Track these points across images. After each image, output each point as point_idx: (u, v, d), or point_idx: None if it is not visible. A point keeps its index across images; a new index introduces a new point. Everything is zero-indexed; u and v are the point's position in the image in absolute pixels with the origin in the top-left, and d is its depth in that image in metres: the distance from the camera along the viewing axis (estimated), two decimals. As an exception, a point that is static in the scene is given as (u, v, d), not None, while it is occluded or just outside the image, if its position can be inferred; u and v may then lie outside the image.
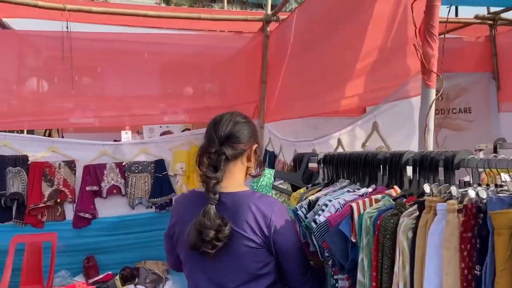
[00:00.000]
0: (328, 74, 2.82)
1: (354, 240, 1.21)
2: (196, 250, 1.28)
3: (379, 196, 1.27)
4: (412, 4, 1.69)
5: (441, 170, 1.20)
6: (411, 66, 1.86)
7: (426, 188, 1.08)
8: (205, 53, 4.69)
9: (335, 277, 1.30)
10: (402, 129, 2.03)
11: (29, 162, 3.92)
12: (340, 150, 2.50)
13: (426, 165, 1.21)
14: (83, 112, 4.45)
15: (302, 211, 1.49)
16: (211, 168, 1.34)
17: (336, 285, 1.30)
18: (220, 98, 4.85)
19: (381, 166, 1.41)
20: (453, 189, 1.01)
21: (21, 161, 3.90)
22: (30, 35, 4.29)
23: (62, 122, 4.65)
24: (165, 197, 4.30)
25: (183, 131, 6.44)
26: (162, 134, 6.43)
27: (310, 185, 1.86)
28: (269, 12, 4.55)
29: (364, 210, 1.21)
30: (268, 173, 1.93)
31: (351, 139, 2.51)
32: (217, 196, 1.31)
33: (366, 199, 1.25)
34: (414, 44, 1.66)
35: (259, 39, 4.56)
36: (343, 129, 2.55)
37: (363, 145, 2.29)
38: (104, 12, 4.22)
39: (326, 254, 1.30)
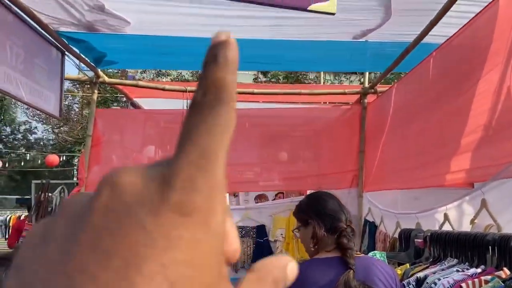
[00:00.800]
0: (430, 148, 2.87)
1: (466, 321, 1.25)
2: None
3: (488, 277, 1.30)
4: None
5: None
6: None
7: (539, 274, 1.12)
8: (303, 124, 5.00)
9: None
10: (508, 211, 2.00)
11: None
12: (447, 225, 2.49)
13: (538, 250, 1.24)
14: None
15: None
16: (347, 239, 1.58)
17: None
18: (317, 167, 5.03)
19: (490, 247, 1.44)
20: None
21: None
22: (154, 113, 5.01)
23: None
24: (265, 263, 4.47)
25: (276, 195, 6.70)
26: (257, 197, 6.73)
27: (410, 262, 1.90)
28: (367, 84, 4.78)
29: (475, 291, 1.26)
30: (380, 256, 2.02)
31: (458, 214, 2.48)
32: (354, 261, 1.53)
33: (476, 280, 1.29)
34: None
35: (357, 110, 4.75)
36: (449, 204, 2.54)
37: (472, 221, 2.26)
38: (217, 92, 4.80)
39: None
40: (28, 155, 21.32)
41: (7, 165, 19.50)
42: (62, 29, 3.36)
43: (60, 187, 5.37)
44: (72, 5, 2.86)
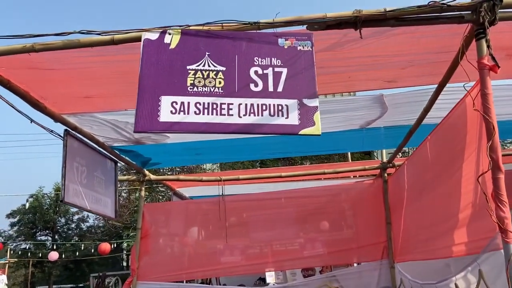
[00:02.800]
0: (438, 222, 3.18)
1: None
2: None
3: None
4: (478, 178, 2.14)
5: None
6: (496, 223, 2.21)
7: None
8: (333, 201, 5.34)
9: None
10: (500, 279, 2.26)
11: (195, 308, 4.78)
12: (459, 294, 2.73)
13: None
14: (234, 259, 5.30)
15: None
16: None
17: None
18: (351, 240, 5.26)
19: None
20: None
21: (190, 307, 4.78)
22: (195, 202, 5.55)
23: (213, 272, 5.46)
24: None
25: (321, 271, 6.84)
26: (304, 269, 6.88)
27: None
28: (385, 160, 5.15)
29: None
30: None
31: (466, 284, 2.72)
32: None
33: None
34: (487, 209, 2.06)
35: (379, 184, 5.09)
36: (458, 275, 2.79)
37: (476, 290, 2.51)
38: (249, 178, 5.35)
39: None
40: (81, 244, 22.40)
41: (63, 256, 20.55)
42: (115, 144, 4.07)
43: (115, 278, 5.88)
44: (123, 129, 3.56)
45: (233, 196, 5.25)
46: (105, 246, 11.44)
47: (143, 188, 5.22)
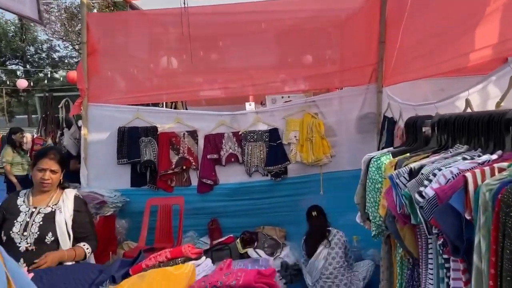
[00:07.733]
0: (451, 25, 2.43)
1: (469, 218, 1.01)
2: None
3: (505, 164, 1.02)
4: None
5: None
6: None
7: None
8: (321, 16, 4.47)
9: (445, 257, 1.10)
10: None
11: (158, 133, 4.30)
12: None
13: None
14: (210, 84, 4.63)
15: (401, 180, 1.30)
16: None
17: (446, 265, 1.11)
18: (338, 63, 4.60)
19: (510, 128, 1.14)
20: None
21: (151, 131, 4.29)
22: (155, 14, 4.57)
23: (193, 94, 4.82)
24: (279, 165, 4.33)
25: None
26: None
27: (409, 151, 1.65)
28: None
29: (483, 181, 0.99)
30: (386, 159, 1.76)
31: (483, 99, 2.13)
32: None
33: (486, 168, 1.02)
34: None
35: (377, -1, 4.16)
36: (472, 89, 2.18)
37: (498, 104, 1.91)
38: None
39: (435, 232, 1.11)
40: (54, 73, 21.56)
41: (32, 84, 19.91)
42: None
43: (65, 99, 5.26)
44: None
45: (198, 7, 4.30)
46: (73, 74, 10.67)
47: (85, -7, 4.16)
